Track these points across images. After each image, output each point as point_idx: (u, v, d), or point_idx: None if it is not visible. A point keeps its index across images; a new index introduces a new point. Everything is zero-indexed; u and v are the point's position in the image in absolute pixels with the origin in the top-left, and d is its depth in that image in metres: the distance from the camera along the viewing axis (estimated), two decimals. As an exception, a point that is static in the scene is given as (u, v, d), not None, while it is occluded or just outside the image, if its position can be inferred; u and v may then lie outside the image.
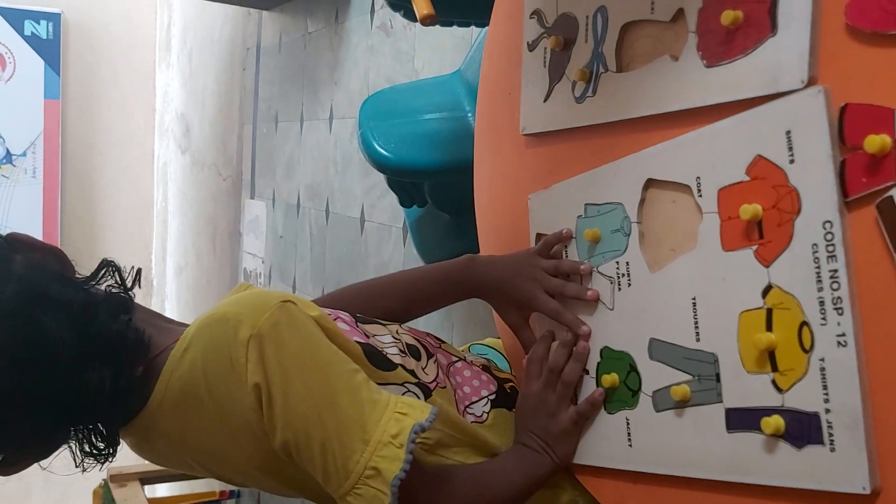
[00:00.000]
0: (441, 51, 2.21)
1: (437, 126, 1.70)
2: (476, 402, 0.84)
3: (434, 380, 0.80)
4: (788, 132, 0.63)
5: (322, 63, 2.80)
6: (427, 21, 1.38)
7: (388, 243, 2.37)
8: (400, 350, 0.79)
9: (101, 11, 4.44)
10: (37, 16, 4.38)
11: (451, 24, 1.59)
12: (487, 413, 0.84)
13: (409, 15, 1.46)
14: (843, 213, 0.59)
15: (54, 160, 4.43)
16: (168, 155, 4.42)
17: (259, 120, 3.34)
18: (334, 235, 2.69)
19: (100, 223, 4.53)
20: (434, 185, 1.73)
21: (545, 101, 0.90)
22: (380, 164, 1.66)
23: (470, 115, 1.71)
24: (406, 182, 1.74)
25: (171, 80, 4.34)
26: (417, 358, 0.81)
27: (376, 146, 1.66)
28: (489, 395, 0.85)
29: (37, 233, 4.39)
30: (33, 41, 4.39)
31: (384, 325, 0.83)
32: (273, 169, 3.20)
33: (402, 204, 1.85)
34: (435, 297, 0.92)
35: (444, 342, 0.89)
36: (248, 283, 0.90)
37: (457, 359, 0.87)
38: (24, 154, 4.39)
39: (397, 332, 0.83)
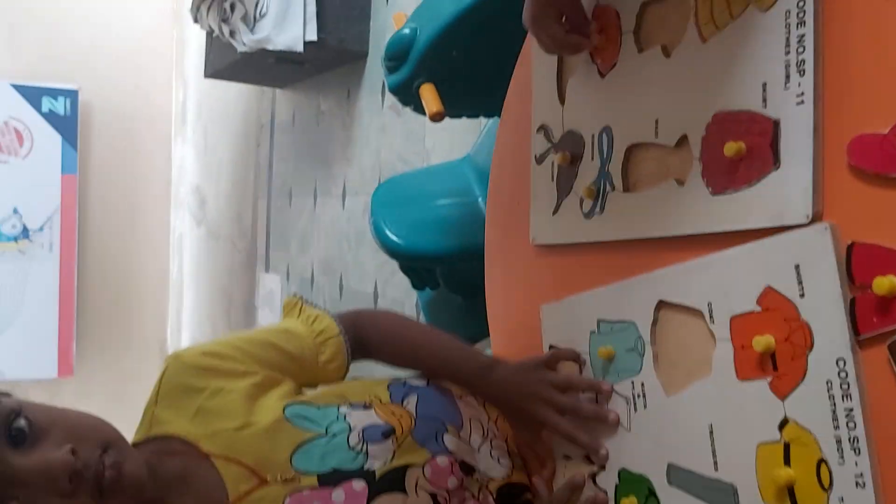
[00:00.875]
0: (451, 131, 2.24)
1: (447, 212, 1.72)
2: None
3: None
4: (797, 266, 0.63)
5: (334, 141, 2.85)
6: (436, 118, 1.41)
7: (402, 320, 2.37)
8: None
9: (118, 87, 4.54)
10: (54, 93, 4.48)
11: (460, 117, 1.62)
12: None
13: (419, 110, 1.49)
14: (856, 351, 0.59)
15: (71, 234, 4.49)
16: (183, 227, 4.47)
17: (273, 194, 3.38)
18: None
19: (116, 295, 4.56)
20: (447, 270, 1.74)
21: (554, 213, 0.91)
22: (392, 251, 1.68)
23: (480, 199, 1.72)
24: (420, 268, 1.75)
25: (187, 154, 4.42)
26: None
27: (388, 233, 1.67)
28: None
29: (53, 306, 4.44)
30: (51, 118, 4.49)
31: (405, 495, 0.78)
32: (287, 243, 3.23)
33: (415, 287, 1.86)
34: (450, 380, 0.94)
35: (469, 473, 0.84)
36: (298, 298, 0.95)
37: (470, 496, 0.85)
38: (41, 229, 4.45)
39: (417, 490, 0.80)
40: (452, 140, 2.22)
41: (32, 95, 4.47)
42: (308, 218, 3.05)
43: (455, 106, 1.51)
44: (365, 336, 0.92)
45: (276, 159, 3.36)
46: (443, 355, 0.93)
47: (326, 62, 2.80)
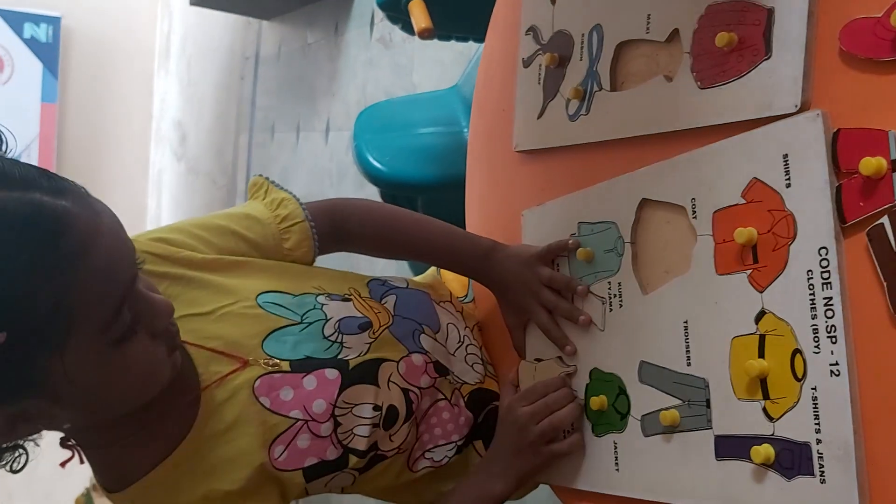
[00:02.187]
0: (440, 65, 2.20)
1: (432, 140, 1.69)
2: (441, 445, 0.82)
3: (396, 447, 0.78)
4: (785, 155, 0.62)
5: (321, 74, 2.80)
6: (425, 35, 1.38)
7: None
8: (372, 425, 0.76)
9: (102, 17, 4.43)
10: (37, 19, 4.37)
11: (449, 39, 1.58)
12: (450, 458, 0.83)
13: (408, 28, 1.45)
14: (840, 240, 0.58)
15: (49, 164, 4.41)
16: (164, 162, 4.41)
17: (255, 130, 3.33)
18: (327, 247, 2.68)
19: (93, 229, 4.50)
20: (428, 199, 1.72)
21: (539, 118, 0.89)
22: (374, 177, 1.66)
23: (466, 130, 1.70)
24: (400, 196, 1.73)
25: (170, 88, 4.34)
26: (391, 425, 0.78)
27: (371, 159, 1.65)
28: (459, 439, 0.84)
29: (29, 237, 4.39)
30: (32, 44, 4.39)
31: (377, 388, 0.78)
32: (268, 179, 3.19)
33: (396, 217, 1.84)
34: (448, 266, 0.94)
35: (443, 374, 0.84)
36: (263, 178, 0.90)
37: (443, 397, 0.84)
38: (18, 157, 4.37)
39: (389, 384, 0.79)
40: (441, 74, 2.18)
41: (14, 20, 4.35)
42: (290, 154, 3.01)
43: (444, 26, 1.48)
44: (348, 224, 0.87)
45: (260, 93, 3.30)
46: (440, 241, 0.90)
47: (315, -7, 2.73)
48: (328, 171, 2.73)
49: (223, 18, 3.44)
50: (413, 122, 1.74)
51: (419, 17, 1.37)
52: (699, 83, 0.70)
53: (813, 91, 0.61)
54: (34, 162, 4.54)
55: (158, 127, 4.51)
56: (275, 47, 3.18)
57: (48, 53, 4.38)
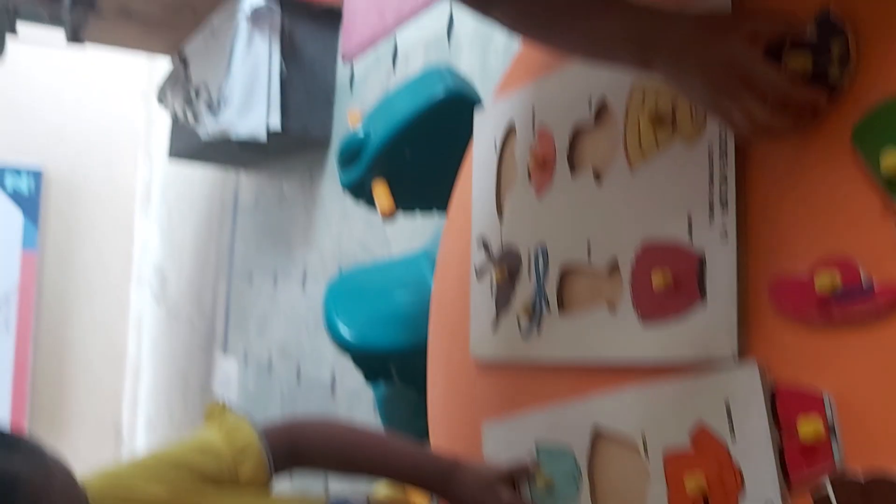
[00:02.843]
0: (412, 219, 2.24)
1: (402, 306, 1.69)
2: None
3: None
4: (727, 404, 0.62)
5: (297, 224, 2.84)
6: (388, 215, 1.41)
7: (359, 409, 2.32)
8: None
9: (83, 165, 4.52)
10: (18, 171, 4.45)
11: (413, 211, 1.62)
12: None
13: (372, 205, 1.49)
14: (786, 498, 0.58)
15: (28, 313, 4.39)
16: (144, 306, 4.40)
17: (234, 276, 3.35)
18: (306, 398, 2.65)
19: (71, 375, 4.45)
20: (401, 366, 1.71)
21: (493, 329, 0.90)
22: (346, 347, 1.65)
23: (436, 293, 1.71)
24: (374, 364, 1.72)
25: (151, 232, 4.39)
26: None
27: (340, 328, 1.65)
28: None
29: (6, 386, 4.31)
30: (14, 196, 4.45)
31: None
32: (246, 325, 3.18)
33: (368, 380, 1.82)
34: (410, 484, 0.91)
35: None
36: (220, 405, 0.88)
37: None
38: (-4, 307, 4.36)
39: None
40: (413, 228, 2.21)
41: (-5, 174, 4.44)
42: (268, 301, 3.01)
43: (408, 203, 1.52)
44: (304, 445, 0.87)
45: (238, 241, 3.34)
46: (402, 461, 0.89)
47: (290, 147, 2.81)
48: (305, 320, 2.73)
49: (202, 168, 3.52)
50: (383, 288, 1.75)
51: (382, 198, 1.41)
52: (640, 318, 0.71)
53: (749, 340, 0.62)
54: (14, 310, 4.51)
55: (139, 271, 4.53)
56: (252, 197, 3.24)
57: (29, 203, 4.44)
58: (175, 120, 3.10)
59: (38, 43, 3.02)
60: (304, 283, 2.79)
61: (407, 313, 1.70)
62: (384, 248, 2.35)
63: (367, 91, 2.47)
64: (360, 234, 2.47)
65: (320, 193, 2.73)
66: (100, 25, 2.80)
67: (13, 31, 2.91)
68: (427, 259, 1.80)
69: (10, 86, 4.18)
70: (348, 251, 2.51)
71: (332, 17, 2.69)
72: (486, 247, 0.92)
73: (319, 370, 2.57)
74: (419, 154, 1.42)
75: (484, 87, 1.75)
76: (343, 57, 2.63)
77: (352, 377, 2.38)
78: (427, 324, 1.50)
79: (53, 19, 2.86)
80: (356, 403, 2.33)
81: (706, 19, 0.62)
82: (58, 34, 3.01)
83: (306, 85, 2.67)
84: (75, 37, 2.80)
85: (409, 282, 1.73)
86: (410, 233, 2.22)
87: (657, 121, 0.70)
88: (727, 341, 0.62)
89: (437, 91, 1.42)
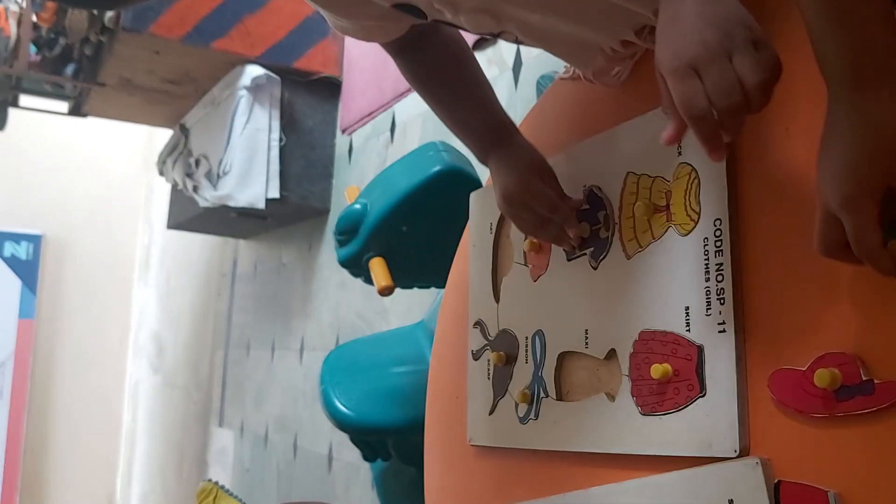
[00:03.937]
0: (410, 290, 2.23)
1: (399, 381, 1.68)
2: None
3: None
4: (731, 501, 0.61)
5: (295, 294, 2.84)
6: (385, 292, 1.40)
7: (356, 484, 2.28)
8: None
9: (82, 231, 4.54)
10: (17, 237, 4.47)
11: (411, 287, 1.61)
12: None
13: (369, 282, 1.48)
14: None
15: (23, 381, 4.35)
16: (140, 374, 4.37)
17: (231, 346, 3.32)
18: (302, 472, 2.60)
19: (66, 444, 4.38)
20: (399, 441, 1.68)
21: (490, 414, 0.88)
22: (342, 423, 1.62)
23: (433, 367, 1.69)
24: (371, 440, 1.69)
25: (149, 299, 4.37)
26: None
27: (338, 405, 1.62)
28: None
29: (-2, 455, 4.24)
30: (12, 262, 4.46)
31: None
32: (243, 396, 3.15)
33: (366, 459, 1.79)
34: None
35: None
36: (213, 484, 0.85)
37: None
38: (-8, 375, 4.32)
39: None
40: (411, 299, 2.21)
41: (-5, 239, 4.45)
42: (265, 372, 2.99)
43: (405, 278, 1.51)
44: None
45: (236, 309, 3.32)
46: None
47: (289, 217, 2.83)
48: (302, 391, 2.70)
49: (201, 235, 3.53)
50: (380, 362, 1.73)
51: (379, 275, 1.40)
52: (640, 408, 0.70)
53: (752, 434, 0.61)
54: (9, 378, 4.48)
55: (136, 338, 4.50)
56: (251, 266, 3.24)
57: (27, 270, 4.44)
58: (174, 190, 3.12)
59: (39, 111, 3.07)
60: (301, 354, 2.77)
61: (405, 389, 1.68)
62: (381, 318, 2.34)
63: (365, 161, 2.49)
64: (358, 304, 2.46)
65: (318, 263, 2.73)
66: (102, 98, 2.85)
67: (16, 104, 2.95)
68: (424, 332, 1.79)
69: (10, 152, 4.23)
70: (346, 321, 2.50)
71: (332, 89, 2.74)
72: (483, 329, 0.92)
73: (316, 443, 2.53)
74: (416, 230, 1.43)
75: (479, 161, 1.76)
76: (342, 128, 2.67)
77: (349, 451, 2.34)
78: (424, 400, 1.49)
79: (57, 94, 2.90)
80: (353, 478, 2.29)
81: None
82: (60, 104, 3.06)
83: (305, 155, 2.70)
84: (77, 110, 2.84)
85: (406, 356, 1.72)
86: (408, 303, 2.21)
87: (652, 210, 0.70)
88: (729, 436, 0.61)
89: (433, 167, 1.43)
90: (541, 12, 0.69)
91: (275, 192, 2.58)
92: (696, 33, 0.53)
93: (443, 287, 1.61)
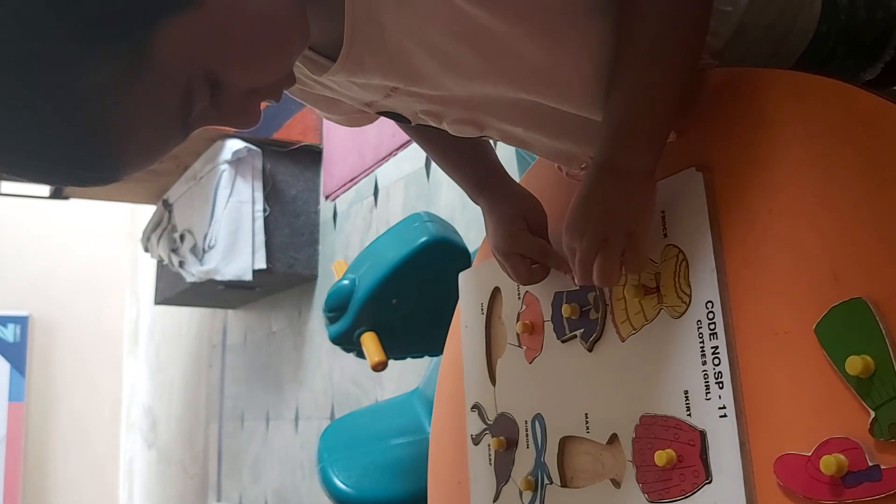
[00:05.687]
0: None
1: (399, 454, 1.65)
2: None
3: None
4: (745, 591, 0.59)
5: (287, 362, 2.81)
6: (378, 368, 1.39)
7: (361, 557, 2.23)
8: None
9: (69, 309, 4.51)
10: (4, 320, 4.42)
11: (404, 359, 1.60)
12: None
13: (362, 356, 1.47)
14: None
15: (15, 465, 4.27)
16: (135, 450, 4.30)
17: (225, 418, 3.28)
18: (304, 546, 2.55)
19: (60, 529, 4.28)
20: (401, 514, 1.65)
21: (494, 501, 0.87)
22: (341, 500, 1.60)
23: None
24: (372, 516, 1.66)
25: (139, 373, 4.33)
26: None
27: (337, 483, 1.60)
28: None
29: (-10, 546, 4.13)
30: None
31: None
32: (240, 469, 3.09)
33: (369, 535, 1.75)
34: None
35: None
36: None
37: None
38: (-17, 462, 4.24)
39: None
40: (405, 364, 2.19)
41: (-19, 324, 4.41)
42: (260, 443, 2.94)
43: (398, 350, 1.50)
44: None
45: (228, 381, 3.29)
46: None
47: (277, 285, 2.81)
48: (299, 461, 2.66)
49: (190, 308, 3.51)
50: (378, 434, 1.71)
51: (372, 350, 1.39)
52: (647, 495, 0.68)
53: (761, 522, 0.60)
54: (1, 463, 4.39)
55: (129, 413, 4.44)
56: (241, 335, 3.22)
57: (15, 353, 4.39)
58: (160, 266, 3.11)
59: (21, 196, 3.07)
60: (296, 423, 2.73)
61: (404, 461, 1.66)
62: (376, 383, 2.32)
63: (350, 227, 2.50)
64: (352, 369, 2.44)
65: (309, 329, 2.72)
66: (84, 179, 2.84)
67: (-3, 192, 2.95)
68: (420, 400, 1.77)
69: (-5, 237, 4.21)
70: (340, 387, 2.47)
71: (313, 156, 2.75)
72: (480, 413, 0.90)
73: (317, 515, 2.49)
74: (406, 302, 1.42)
75: (464, 223, 1.77)
76: (325, 195, 2.68)
77: (351, 521, 2.30)
78: (425, 470, 1.46)
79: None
80: (357, 550, 2.24)
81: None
82: (41, 188, 3.06)
83: (290, 223, 2.70)
84: (59, 194, 2.84)
85: (403, 427, 1.69)
86: (401, 368, 2.19)
87: (643, 291, 0.70)
88: (736, 528, 0.60)
89: (419, 238, 1.43)
90: (523, 126, 0.71)
91: (261, 263, 2.57)
92: (583, 223, 0.67)
93: (436, 355, 1.61)
